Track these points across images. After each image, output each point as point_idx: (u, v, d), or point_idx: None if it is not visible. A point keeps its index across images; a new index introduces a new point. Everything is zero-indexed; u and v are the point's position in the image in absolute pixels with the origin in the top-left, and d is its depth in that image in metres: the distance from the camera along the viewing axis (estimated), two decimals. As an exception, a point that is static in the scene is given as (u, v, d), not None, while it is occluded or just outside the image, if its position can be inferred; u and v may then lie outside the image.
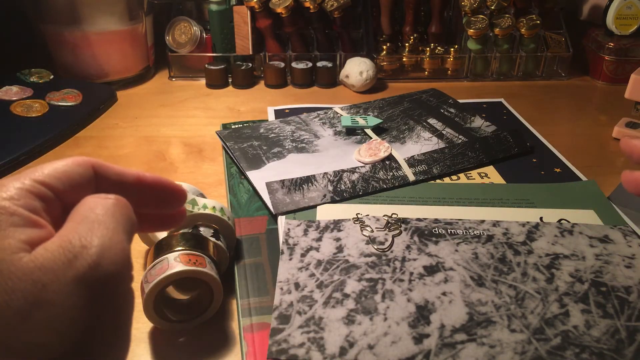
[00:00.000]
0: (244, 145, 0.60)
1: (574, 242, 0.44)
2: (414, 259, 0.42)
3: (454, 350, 0.34)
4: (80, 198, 0.24)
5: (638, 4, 0.82)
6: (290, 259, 0.42)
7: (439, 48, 0.86)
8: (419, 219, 0.46)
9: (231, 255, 0.43)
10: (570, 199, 0.51)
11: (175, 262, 0.36)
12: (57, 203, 0.24)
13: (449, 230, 0.45)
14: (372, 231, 0.45)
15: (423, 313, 0.37)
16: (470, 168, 0.57)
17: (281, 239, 0.45)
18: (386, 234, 0.45)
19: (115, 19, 0.77)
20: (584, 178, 0.56)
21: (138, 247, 0.47)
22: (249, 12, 0.80)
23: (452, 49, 0.85)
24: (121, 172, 0.27)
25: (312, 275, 0.40)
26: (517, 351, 0.34)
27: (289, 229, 0.45)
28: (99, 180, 0.26)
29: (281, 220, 0.48)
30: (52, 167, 0.24)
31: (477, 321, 0.36)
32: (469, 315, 0.37)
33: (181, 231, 0.41)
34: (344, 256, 0.42)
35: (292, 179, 0.52)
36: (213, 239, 0.41)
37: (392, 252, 0.43)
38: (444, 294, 0.39)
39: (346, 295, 0.38)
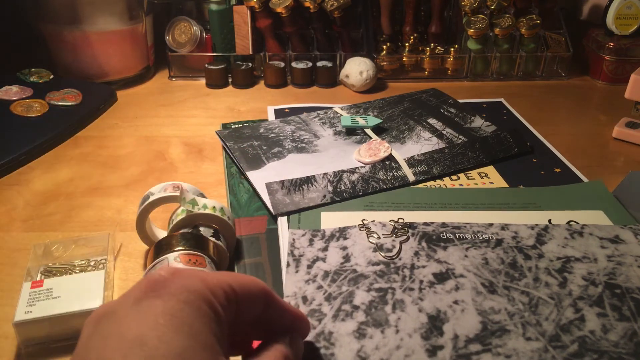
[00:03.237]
0: (244, 145, 0.60)
1: (585, 243, 0.43)
2: (423, 266, 0.41)
3: None
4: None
5: (638, 4, 0.82)
6: (297, 272, 0.41)
7: (439, 48, 0.86)
8: (425, 224, 0.46)
9: (231, 255, 0.43)
10: (577, 200, 0.51)
11: (175, 262, 0.36)
12: None
13: (457, 235, 0.44)
14: (379, 238, 0.44)
15: (435, 323, 0.36)
16: (470, 168, 0.57)
17: (286, 249, 0.44)
18: (393, 240, 0.44)
19: (115, 19, 0.77)
20: (584, 178, 0.56)
21: (138, 247, 0.47)
22: (249, 12, 0.80)
23: (452, 49, 0.85)
24: (285, 309, 0.30)
25: (320, 287, 0.39)
26: None
27: (293, 239, 0.44)
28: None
29: (281, 220, 0.48)
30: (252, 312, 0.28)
31: (491, 330, 0.35)
32: (483, 325, 0.36)
33: (181, 231, 0.41)
34: (352, 265, 0.41)
35: (292, 180, 0.52)
36: (213, 239, 0.41)
37: (400, 259, 0.42)
38: (455, 302, 0.38)
39: (356, 307, 0.37)
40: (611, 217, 0.48)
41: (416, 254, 0.42)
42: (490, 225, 0.46)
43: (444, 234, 0.44)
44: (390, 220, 0.46)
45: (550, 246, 0.43)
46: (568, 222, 0.47)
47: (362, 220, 0.47)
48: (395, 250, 0.43)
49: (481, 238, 0.44)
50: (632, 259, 0.42)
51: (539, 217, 0.48)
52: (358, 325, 0.36)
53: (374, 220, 0.46)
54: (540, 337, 0.35)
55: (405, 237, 0.44)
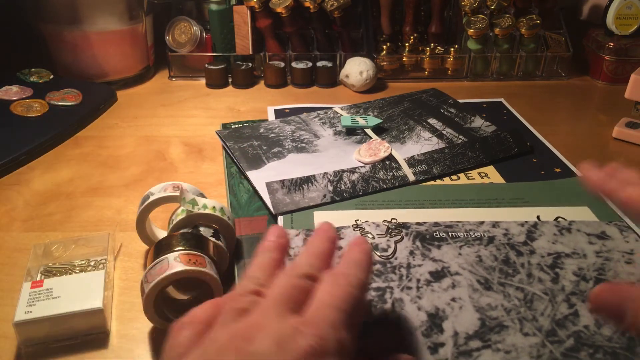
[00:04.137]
0: (244, 145, 0.60)
1: (574, 240, 0.44)
2: (419, 265, 0.41)
3: (471, 358, 0.34)
4: None
5: (638, 4, 0.82)
6: None
7: (439, 48, 0.86)
8: (418, 223, 0.46)
9: (231, 255, 0.43)
10: (563, 196, 0.51)
11: (175, 262, 0.36)
12: None
13: (449, 234, 0.45)
14: (374, 238, 0.44)
15: (435, 321, 0.36)
16: (470, 168, 0.57)
17: None
18: (388, 240, 0.44)
19: (115, 19, 0.77)
20: (583, 178, 0.56)
21: (138, 247, 0.47)
22: (249, 12, 0.80)
23: (452, 49, 0.85)
24: None
25: None
26: (533, 355, 0.34)
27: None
28: None
29: (281, 220, 0.48)
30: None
31: (490, 326, 0.36)
32: (481, 321, 0.36)
33: (181, 231, 0.41)
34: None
35: (292, 179, 0.52)
36: (213, 239, 0.41)
37: (396, 258, 0.42)
38: (453, 299, 0.38)
39: None
40: (596, 212, 0.48)
41: (411, 253, 0.43)
42: (482, 223, 0.46)
43: (437, 232, 0.45)
44: (383, 221, 0.46)
45: (540, 242, 0.44)
46: (556, 219, 0.47)
47: (356, 221, 0.47)
48: (390, 250, 0.43)
49: (473, 236, 0.44)
50: (619, 255, 0.43)
51: (527, 214, 0.48)
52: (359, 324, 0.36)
53: (367, 221, 0.46)
54: (537, 332, 0.36)
55: (399, 237, 0.44)
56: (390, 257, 0.42)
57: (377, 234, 0.45)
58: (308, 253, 0.33)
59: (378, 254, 0.43)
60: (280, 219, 0.48)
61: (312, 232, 0.45)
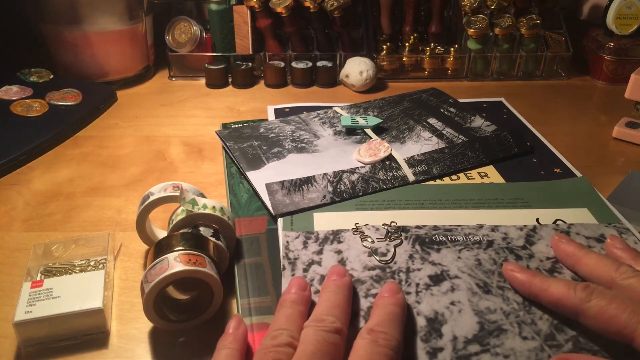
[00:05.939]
0: (244, 145, 0.60)
1: None
2: (418, 269, 0.41)
3: None
4: None
5: (638, 4, 0.82)
6: (293, 275, 0.41)
7: (439, 48, 0.86)
8: (418, 227, 0.46)
9: (231, 255, 0.43)
10: (563, 197, 0.51)
11: (175, 262, 0.36)
12: None
13: (449, 237, 0.44)
14: (373, 242, 0.44)
15: (434, 325, 0.36)
16: (470, 168, 0.57)
17: (281, 252, 0.43)
18: (387, 244, 0.44)
19: (115, 19, 0.77)
20: (583, 178, 0.56)
21: (138, 247, 0.47)
22: (249, 11, 0.80)
23: (452, 49, 0.85)
24: None
25: (318, 292, 0.39)
26: (532, 359, 0.34)
27: (287, 242, 0.44)
28: None
29: (281, 222, 0.48)
30: None
31: (489, 330, 0.36)
32: (480, 325, 0.36)
33: (181, 231, 0.41)
34: (348, 271, 0.41)
35: (292, 180, 0.52)
36: (213, 239, 0.41)
37: (395, 263, 0.42)
38: (452, 303, 0.38)
39: (355, 314, 0.37)
40: (595, 214, 0.48)
41: (410, 257, 0.42)
42: (481, 226, 0.46)
43: (437, 236, 0.45)
44: (383, 224, 0.46)
45: (539, 246, 0.44)
46: (555, 222, 0.47)
47: (356, 224, 0.46)
48: (390, 254, 0.43)
49: (473, 240, 0.44)
50: None
51: (527, 216, 0.48)
52: (358, 331, 0.36)
53: (367, 224, 0.46)
54: (536, 336, 0.35)
55: (399, 240, 0.44)
56: (389, 261, 0.42)
57: (377, 238, 0.45)
58: (329, 304, 0.34)
59: (377, 258, 0.42)
60: (280, 220, 0.48)
61: (312, 235, 0.45)
